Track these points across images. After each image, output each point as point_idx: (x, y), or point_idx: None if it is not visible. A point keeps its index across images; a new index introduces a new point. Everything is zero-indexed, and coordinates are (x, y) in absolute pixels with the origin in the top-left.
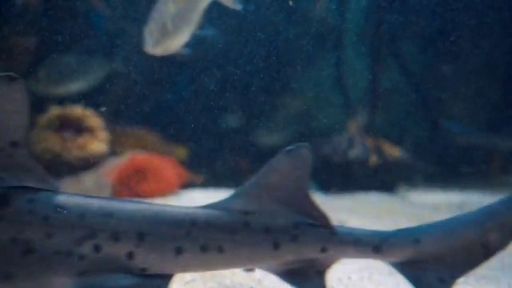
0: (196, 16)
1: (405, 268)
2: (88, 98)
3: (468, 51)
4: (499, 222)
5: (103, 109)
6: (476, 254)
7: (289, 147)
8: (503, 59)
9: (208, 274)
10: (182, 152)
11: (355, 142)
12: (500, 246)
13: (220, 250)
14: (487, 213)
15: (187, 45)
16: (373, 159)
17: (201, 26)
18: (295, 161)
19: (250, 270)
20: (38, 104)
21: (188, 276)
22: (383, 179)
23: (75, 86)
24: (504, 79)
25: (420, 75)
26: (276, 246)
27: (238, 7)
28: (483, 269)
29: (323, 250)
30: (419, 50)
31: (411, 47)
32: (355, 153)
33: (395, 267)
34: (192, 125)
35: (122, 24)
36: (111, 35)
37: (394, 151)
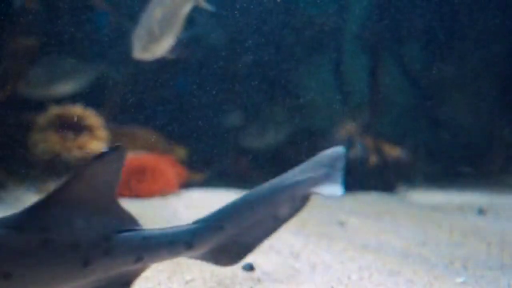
0: (180, 20)
1: (209, 254)
2: (89, 97)
3: (469, 51)
4: (287, 196)
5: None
6: (267, 227)
7: (103, 149)
8: (503, 58)
9: (208, 273)
10: (182, 151)
11: (355, 142)
12: (288, 217)
13: (6, 276)
14: (276, 189)
15: (174, 48)
16: (373, 159)
17: (188, 26)
18: (107, 165)
19: (250, 269)
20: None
21: (187, 276)
22: (383, 179)
23: (69, 87)
24: (504, 78)
25: (420, 75)
26: (85, 263)
27: (212, 9)
28: (483, 269)
29: (138, 259)
30: (419, 49)
31: (411, 46)
32: (354, 153)
33: (200, 257)
34: (192, 124)
35: (124, 22)
36: (113, 33)
37: (393, 151)
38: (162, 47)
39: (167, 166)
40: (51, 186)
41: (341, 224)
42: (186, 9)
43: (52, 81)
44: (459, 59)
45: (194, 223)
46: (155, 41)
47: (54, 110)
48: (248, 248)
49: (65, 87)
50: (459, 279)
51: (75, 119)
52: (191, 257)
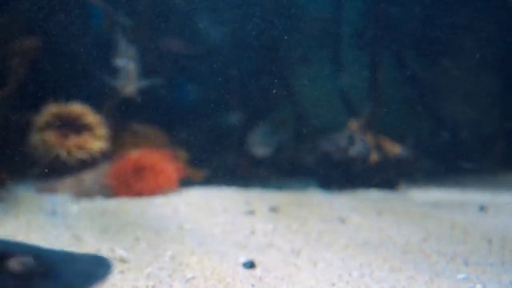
0: (124, 70)
1: None
2: (89, 95)
3: (468, 46)
4: None
5: None
6: None
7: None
8: (504, 53)
9: (209, 271)
10: (182, 151)
11: (356, 139)
12: None
13: None
14: None
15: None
16: (374, 156)
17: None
18: None
19: (251, 267)
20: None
21: (188, 273)
22: (384, 176)
23: None
24: (505, 73)
25: (420, 72)
26: None
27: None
28: (485, 266)
29: None
30: (419, 46)
31: (411, 43)
32: (355, 150)
33: None
34: (193, 122)
35: (120, 18)
36: (109, 31)
37: (394, 148)
38: (131, 89)
39: (167, 163)
40: (51, 185)
41: (342, 221)
42: (122, 63)
43: None
44: (458, 54)
45: None
46: (125, 83)
47: (53, 109)
48: None
49: None
50: (460, 276)
51: (74, 117)
52: None
